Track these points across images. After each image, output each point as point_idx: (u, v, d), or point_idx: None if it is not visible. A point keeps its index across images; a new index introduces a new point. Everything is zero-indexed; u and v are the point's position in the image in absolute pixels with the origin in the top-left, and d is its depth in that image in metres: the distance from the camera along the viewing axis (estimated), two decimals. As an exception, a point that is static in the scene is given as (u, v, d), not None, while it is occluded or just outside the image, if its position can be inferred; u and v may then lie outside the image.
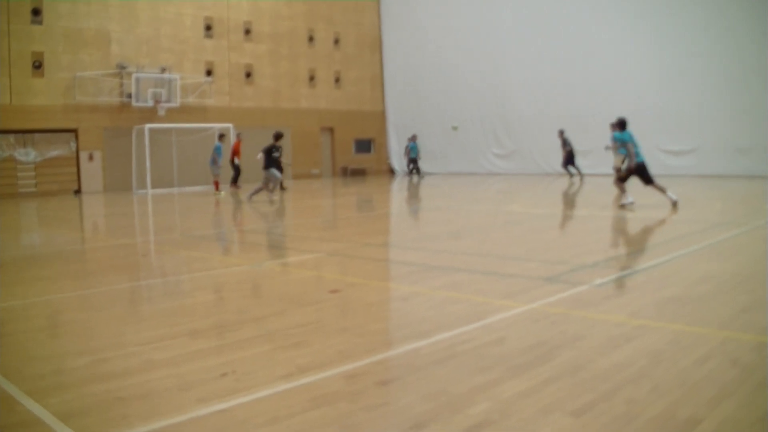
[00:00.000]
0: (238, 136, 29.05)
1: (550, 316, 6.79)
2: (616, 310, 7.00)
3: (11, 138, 28.51)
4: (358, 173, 39.85)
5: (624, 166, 17.47)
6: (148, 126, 29.40)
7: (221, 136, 27.31)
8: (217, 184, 27.11)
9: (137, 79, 31.09)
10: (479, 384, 4.94)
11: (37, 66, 29.19)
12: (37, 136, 29.17)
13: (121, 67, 31.13)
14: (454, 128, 30.68)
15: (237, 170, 28.54)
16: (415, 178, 25.15)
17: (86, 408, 4.73)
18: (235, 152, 28.34)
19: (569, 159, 28.00)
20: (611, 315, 6.77)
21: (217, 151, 26.86)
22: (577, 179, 27.56)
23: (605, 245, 11.93)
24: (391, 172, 41.29)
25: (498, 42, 35.45)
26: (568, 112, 31.33)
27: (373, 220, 18.32)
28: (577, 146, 28.17)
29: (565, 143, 27.62)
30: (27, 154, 29.04)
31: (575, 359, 5.43)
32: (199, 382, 5.21)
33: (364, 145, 41.33)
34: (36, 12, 28.92)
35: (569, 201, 20.75)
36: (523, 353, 5.60)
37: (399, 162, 41.16)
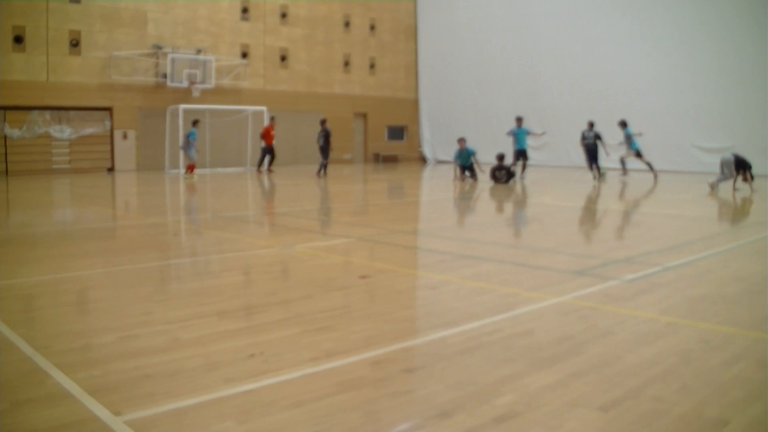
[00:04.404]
0: (272, 119, 29.17)
1: (579, 310, 6.76)
2: (646, 306, 6.94)
3: (47, 115, 28.74)
4: (390, 160, 39.80)
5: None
6: (182, 106, 29.48)
7: (195, 122, 27.23)
8: (192, 167, 27.13)
9: (173, 60, 31.20)
10: (506, 375, 4.93)
11: (74, 44, 29.39)
12: (72, 113, 29.39)
13: (157, 47, 31.26)
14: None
15: (269, 153, 28.77)
16: (467, 183, 23.78)
17: (114, 384, 4.78)
18: (265, 136, 28.57)
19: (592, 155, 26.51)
20: (641, 311, 6.72)
21: (191, 136, 26.88)
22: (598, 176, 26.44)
23: (637, 240, 11.81)
24: (423, 160, 41.20)
25: (532, 33, 35.20)
26: (601, 105, 31.06)
27: (404, 207, 18.30)
28: (611, 140, 27.86)
29: (584, 137, 26.15)
30: (62, 131, 29.27)
31: (603, 354, 5.39)
32: (226, 362, 5.24)
33: (396, 132, 41.25)
34: (75, -9, 29.14)
35: (601, 195, 20.59)
36: (550, 346, 5.57)
37: (430, 150, 41.07)
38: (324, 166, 27.25)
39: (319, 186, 23.41)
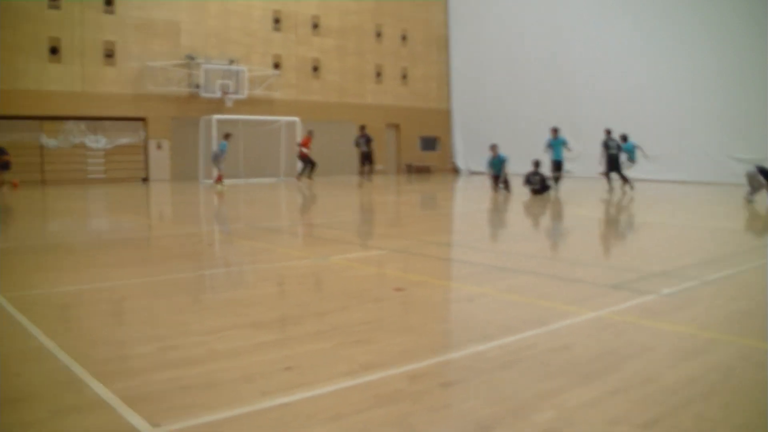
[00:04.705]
0: (310, 133, 29.45)
1: (616, 325, 6.68)
2: (685, 321, 6.84)
3: (82, 125, 29.12)
4: (423, 171, 39.80)
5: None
6: (215, 117, 29.70)
7: (227, 135, 27.52)
8: (220, 177, 27.33)
9: (206, 70, 31.47)
10: (544, 391, 4.87)
11: (109, 55, 29.73)
12: (107, 123, 29.76)
13: (190, 57, 31.56)
14: None
15: (309, 163, 29.11)
16: (501, 194, 23.53)
17: (151, 394, 4.78)
18: (304, 145, 28.94)
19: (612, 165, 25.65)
20: (680, 326, 6.63)
21: (222, 148, 27.13)
22: (618, 186, 26.06)
23: (674, 253, 11.67)
24: (455, 170, 41.16)
25: (565, 42, 35.12)
26: (634, 115, 30.86)
27: (438, 219, 18.25)
28: (645, 152, 27.64)
29: (608, 146, 25.42)
30: (97, 141, 29.63)
31: (643, 370, 5.31)
32: (263, 374, 5.22)
33: (429, 143, 41.27)
34: (108, 2, 29.51)
35: (636, 207, 20.44)
36: (589, 362, 5.50)
37: (463, 161, 41.01)
38: (369, 171, 27.80)
39: (353, 196, 23.42)
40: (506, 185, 24.23)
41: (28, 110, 27.81)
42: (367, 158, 28.16)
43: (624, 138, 25.64)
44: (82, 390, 4.86)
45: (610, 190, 24.72)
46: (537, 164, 23.44)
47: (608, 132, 25.17)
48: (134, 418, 4.33)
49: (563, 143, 25.22)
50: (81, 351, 5.72)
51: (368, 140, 28.05)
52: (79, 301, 7.82)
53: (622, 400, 4.70)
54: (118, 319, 7.29)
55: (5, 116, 27.43)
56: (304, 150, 29.30)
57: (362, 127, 28.83)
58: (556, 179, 24.94)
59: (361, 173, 28.38)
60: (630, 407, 4.56)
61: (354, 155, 35.50)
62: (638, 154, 25.78)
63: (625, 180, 24.84)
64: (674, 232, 14.90)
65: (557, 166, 25.20)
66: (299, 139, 30.39)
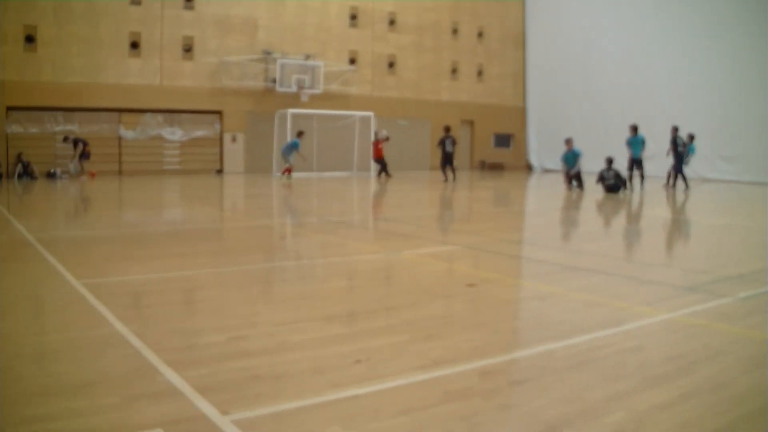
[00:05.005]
0: (386, 138, 29.48)
1: (690, 328, 6.57)
2: (760, 326, 6.68)
3: (160, 117, 29.65)
4: (496, 168, 39.60)
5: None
6: (290, 111, 29.93)
7: (300, 133, 27.83)
8: (288, 170, 28.05)
9: (282, 65, 31.74)
10: (615, 392, 4.82)
11: (187, 50, 30.22)
12: (183, 116, 30.26)
13: (267, 53, 31.86)
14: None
15: (379, 164, 29.30)
16: (575, 192, 23.17)
17: (222, 383, 4.85)
18: (375, 150, 29.13)
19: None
20: (755, 331, 6.49)
21: (295, 146, 27.46)
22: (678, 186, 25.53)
23: (750, 256, 11.41)
24: (529, 168, 40.87)
25: (643, 40, 34.50)
26: (714, 114, 30.29)
27: (510, 216, 18.15)
28: (723, 152, 27.16)
29: (677, 143, 24.94)
30: (173, 133, 30.13)
31: (716, 375, 5.22)
32: (333, 367, 5.26)
33: (503, 140, 41.00)
34: (188, -1, 29.99)
35: (712, 208, 20.07)
36: (661, 364, 5.42)
37: (537, 158, 40.69)
38: (453, 174, 27.88)
39: (425, 192, 23.42)
40: (579, 182, 23.93)
41: (107, 103, 28.39)
42: (449, 160, 28.03)
43: (691, 137, 25.14)
44: (154, 377, 4.96)
45: (686, 188, 24.29)
46: (610, 161, 23.09)
47: (675, 129, 24.73)
48: (205, 406, 4.41)
49: (642, 142, 24.62)
50: (153, 339, 5.84)
51: (454, 142, 28.01)
52: (152, 290, 7.98)
53: (694, 404, 4.63)
54: (189, 308, 7.43)
55: (86, 108, 28.06)
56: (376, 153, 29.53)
57: (447, 128, 28.66)
58: (640, 178, 24.54)
59: (445, 175, 28.19)
60: (702, 412, 4.49)
61: (427, 151, 35.60)
62: (691, 158, 25.24)
63: (677, 179, 24.40)
64: (751, 234, 14.55)
65: (635, 164, 24.65)
66: (374, 136, 30.47)
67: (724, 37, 30.98)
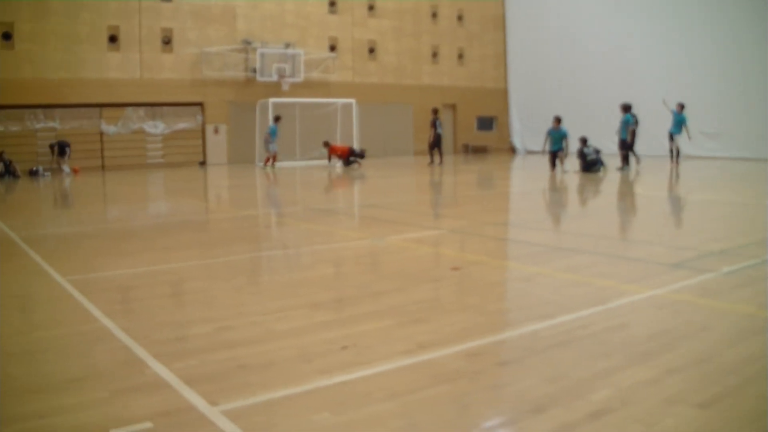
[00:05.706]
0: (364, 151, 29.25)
1: (674, 304, 6.62)
2: (744, 300, 6.74)
3: (141, 111, 29.52)
4: (480, 151, 39.60)
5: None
6: (272, 100, 29.79)
7: (277, 119, 27.77)
8: (269, 159, 28.11)
9: (262, 55, 31.62)
10: (600, 370, 4.87)
11: (166, 42, 30.08)
12: (165, 109, 30.13)
13: (247, 42, 31.73)
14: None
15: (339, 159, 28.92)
16: (558, 173, 22.98)
17: (210, 374, 4.88)
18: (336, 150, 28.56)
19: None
20: (739, 305, 6.54)
21: (272, 133, 27.49)
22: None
23: (733, 232, 11.47)
24: (513, 150, 40.89)
25: (624, 21, 34.50)
26: (696, 93, 30.33)
27: (495, 199, 18.17)
28: (705, 129, 27.23)
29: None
30: (155, 127, 30.03)
31: (701, 350, 5.27)
32: (320, 353, 5.29)
33: (486, 123, 40.98)
34: (166, -10, 29.83)
35: (693, 184, 20.16)
36: (646, 341, 5.47)
37: (520, 140, 40.70)
38: (441, 158, 28.44)
39: (408, 177, 23.44)
40: (562, 162, 23.68)
41: (88, 98, 28.21)
42: (438, 142, 28.20)
43: (681, 106, 25.13)
44: (142, 370, 4.98)
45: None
46: (584, 141, 23.05)
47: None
48: (194, 397, 4.43)
49: (628, 122, 24.03)
50: (141, 332, 5.85)
51: (441, 125, 28.27)
52: (139, 284, 7.99)
53: (679, 379, 4.67)
54: (176, 300, 7.43)
55: (67, 104, 27.88)
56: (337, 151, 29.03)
57: (435, 110, 28.98)
58: (636, 160, 24.42)
59: (431, 158, 28.31)
60: (687, 387, 4.54)
61: (410, 136, 35.61)
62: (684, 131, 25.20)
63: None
64: (735, 210, 14.64)
65: (622, 145, 24.15)
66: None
67: (704, 14, 31.03)
